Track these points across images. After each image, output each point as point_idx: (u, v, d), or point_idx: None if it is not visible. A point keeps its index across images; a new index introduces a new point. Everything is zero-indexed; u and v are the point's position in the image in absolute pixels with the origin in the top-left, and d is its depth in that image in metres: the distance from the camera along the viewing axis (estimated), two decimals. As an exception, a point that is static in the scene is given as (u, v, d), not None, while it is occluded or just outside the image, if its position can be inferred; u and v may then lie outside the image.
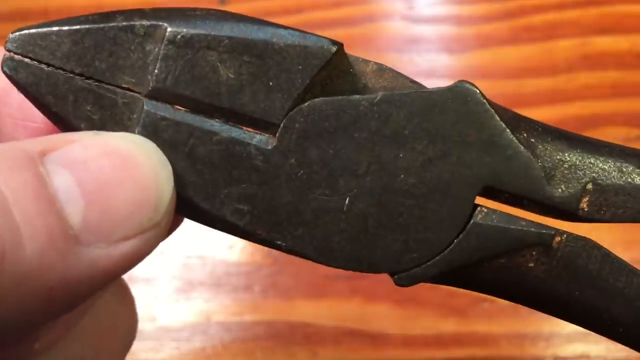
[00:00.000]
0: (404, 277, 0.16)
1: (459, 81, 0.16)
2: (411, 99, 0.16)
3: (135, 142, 0.15)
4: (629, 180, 0.16)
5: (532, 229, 0.16)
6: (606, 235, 0.40)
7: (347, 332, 0.38)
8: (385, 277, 0.39)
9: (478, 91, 0.16)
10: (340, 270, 0.39)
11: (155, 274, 0.40)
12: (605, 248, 0.16)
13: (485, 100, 0.16)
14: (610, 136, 0.42)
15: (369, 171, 0.15)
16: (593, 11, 0.46)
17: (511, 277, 0.16)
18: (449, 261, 0.16)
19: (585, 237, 0.16)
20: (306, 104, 0.15)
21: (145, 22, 0.15)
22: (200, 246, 0.40)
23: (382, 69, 0.17)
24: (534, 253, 0.16)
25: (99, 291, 0.16)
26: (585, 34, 0.45)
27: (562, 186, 0.16)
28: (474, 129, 0.15)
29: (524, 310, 0.37)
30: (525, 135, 0.16)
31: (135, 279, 0.40)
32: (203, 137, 0.15)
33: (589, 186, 0.16)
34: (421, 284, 0.38)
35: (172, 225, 0.18)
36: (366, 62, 0.17)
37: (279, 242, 0.16)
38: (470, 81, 0.16)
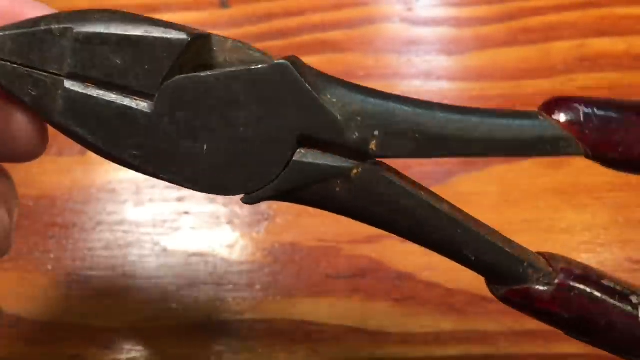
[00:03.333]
0: (247, 198, 0.22)
1: (281, 58, 0.21)
2: (244, 74, 0.21)
3: None
4: (407, 125, 0.21)
5: (334, 164, 0.21)
6: (602, 236, 0.40)
7: (348, 330, 0.38)
8: (384, 277, 0.39)
9: (290, 65, 0.21)
10: (341, 270, 0.40)
11: (157, 273, 0.40)
12: (392, 175, 0.22)
13: (296, 72, 0.21)
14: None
15: (218, 126, 0.21)
16: (590, 13, 0.47)
17: (326, 198, 0.22)
18: (278, 187, 0.22)
19: (377, 167, 0.22)
20: (171, 80, 0.21)
21: (59, 26, 0.21)
22: (201, 245, 0.41)
23: (237, 46, 0.23)
24: (338, 182, 0.21)
25: None
26: (583, 35, 0.46)
27: (357, 132, 0.21)
28: (290, 94, 0.21)
29: (522, 308, 0.38)
30: (329, 96, 0.21)
31: (138, 277, 0.40)
32: (105, 105, 0.21)
33: (376, 132, 0.21)
34: (418, 284, 0.39)
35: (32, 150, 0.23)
36: (226, 40, 0.23)
37: (162, 176, 0.22)
38: (294, 57, 0.21)
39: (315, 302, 0.39)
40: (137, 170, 0.22)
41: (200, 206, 0.42)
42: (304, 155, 0.21)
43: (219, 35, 0.22)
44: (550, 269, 0.21)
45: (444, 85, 0.45)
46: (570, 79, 0.45)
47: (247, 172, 0.22)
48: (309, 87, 0.21)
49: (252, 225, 0.41)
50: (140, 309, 0.39)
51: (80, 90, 0.21)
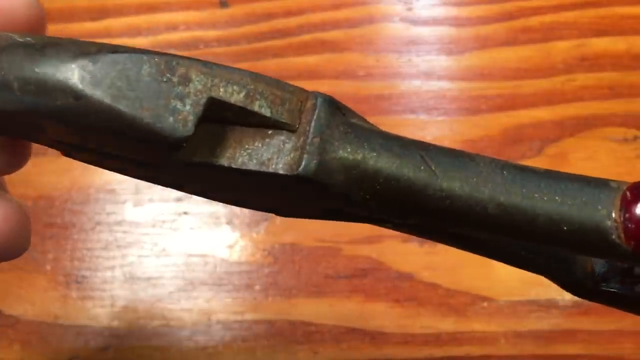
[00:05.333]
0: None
1: (300, 171, 0.17)
2: (261, 175, 0.17)
3: None
4: (450, 221, 0.18)
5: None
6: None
7: (347, 331, 0.38)
8: (384, 277, 0.39)
9: (313, 178, 0.17)
10: (341, 270, 0.40)
11: (156, 273, 0.40)
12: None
13: (321, 182, 0.17)
14: (607, 136, 0.43)
15: (242, 189, 0.19)
16: (590, 13, 0.46)
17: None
18: (321, 217, 0.19)
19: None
20: (180, 162, 0.17)
21: (35, 120, 0.17)
22: (200, 246, 0.41)
23: (242, 103, 0.17)
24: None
25: None
26: (583, 35, 0.46)
27: (391, 218, 0.19)
28: (317, 196, 0.18)
29: (522, 309, 0.38)
30: (362, 192, 0.17)
31: (137, 278, 0.40)
32: (117, 160, 0.18)
33: (412, 220, 0.18)
34: (418, 284, 0.39)
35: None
36: (231, 95, 0.17)
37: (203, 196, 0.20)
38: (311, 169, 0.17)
39: (315, 302, 0.39)
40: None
41: (200, 206, 0.42)
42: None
43: (223, 96, 0.17)
44: (591, 272, 0.20)
45: (444, 84, 0.45)
46: (571, 79, 0.44)
47: (282, 209, 0.20)
48: (336, 191, 0.17)
49: (252, 226, 0.41)
50: (139, 309, 0.39)
51: (85, 152, 0.18)
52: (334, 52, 0.46)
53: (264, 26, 0.47)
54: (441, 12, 0.48)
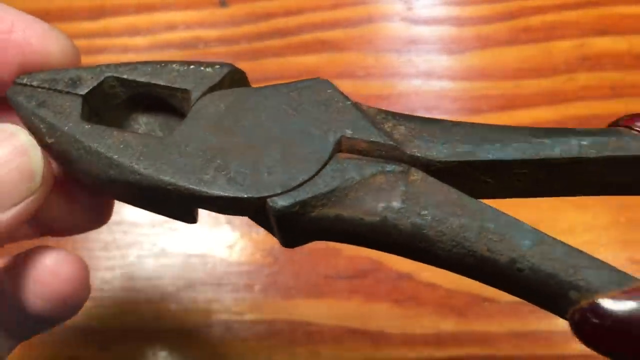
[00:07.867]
0: (282, 206, 0.20)
1: (315, 78, 0.22)
2: (277, 89, 0.22)
3: (12, 132, 0.21)
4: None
5: (376, 165, 0.20)
6: (604, 236, 0.40)
7: (348, 331, 0.38)
8: (384, 278, 0.39)
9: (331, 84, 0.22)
10: (341, 270, 0.39)
11: (156, 274, 0.40)
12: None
13: (337, 88, 0.22)
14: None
15: (249, 129, 0.21)
16: (592, 12, 0.46)
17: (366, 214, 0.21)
18: (315, 187, 0.20)
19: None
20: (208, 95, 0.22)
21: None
22: (200, 246, 0.41)
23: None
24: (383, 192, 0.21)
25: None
26: (584, 35, 0.46)
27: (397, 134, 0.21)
28: (330, 105, 0.21)
29: (524, 309, 0.38)
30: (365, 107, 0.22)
31: (137, 278, 0.40)
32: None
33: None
34: (418, 285, 0.39)
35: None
36: None
37: (193, 188, 0.23)
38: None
39: (315, 303, 0.39)
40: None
41: (200, 206, 0.41)
42: (344, 157, 0.20)
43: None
44: None
45: (445, 84, 0.45)
46: (572, 78, 0.44)
47: (282, 168, 0.20)
48: (348, 101, 0.22)
49: (252, 226, 0.41)
50: (139, 310, 0.39)
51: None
52: (334, 51, 0.46)
53: (263, 26, 0.47)
54: (441, 11, 0.48)
